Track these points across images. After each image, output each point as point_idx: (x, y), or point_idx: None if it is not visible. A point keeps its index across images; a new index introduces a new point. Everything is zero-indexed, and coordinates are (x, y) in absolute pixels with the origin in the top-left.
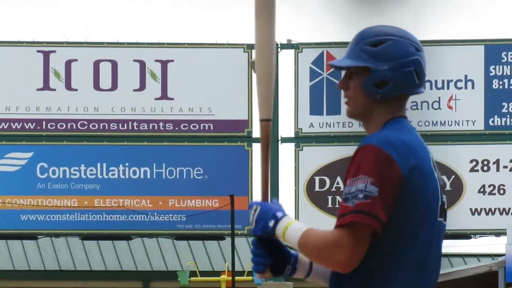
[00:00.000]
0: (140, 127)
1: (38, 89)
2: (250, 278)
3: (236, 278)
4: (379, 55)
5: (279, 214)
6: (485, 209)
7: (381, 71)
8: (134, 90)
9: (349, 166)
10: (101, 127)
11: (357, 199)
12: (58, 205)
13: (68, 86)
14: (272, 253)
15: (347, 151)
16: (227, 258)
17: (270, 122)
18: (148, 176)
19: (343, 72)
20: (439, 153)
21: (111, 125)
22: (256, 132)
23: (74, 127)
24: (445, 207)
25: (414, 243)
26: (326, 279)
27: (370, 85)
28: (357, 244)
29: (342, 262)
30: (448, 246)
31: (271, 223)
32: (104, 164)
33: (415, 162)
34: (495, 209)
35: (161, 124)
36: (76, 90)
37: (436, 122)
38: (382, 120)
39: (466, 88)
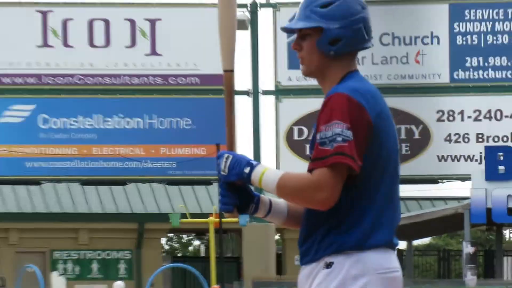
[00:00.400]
0: (132, 81)
1: (37, 46)
2: (236, 219)
3: (223, 220)
4: (330, 15)
5: (253, 162)
6: (451, 156)
7: (333, 30)
8: (126, 47)
9: (320, 113)
10: (95, 81)
11: (336, 142)
12: (59, 153)
13: (65, 43)
14: (237, 194)
15: None
16: (214, 202)
17: (233, 73)
18: (141, 126)
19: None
20: (407, 104)
21: (105, 79)
22: (239, 86)
23: (71, 81)
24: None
25: (381, 184)
26: (282, 219)
27: (324, 44)
28: (337, 184)
29: (323, 201)
30: (417, 190)
31: (247, 170)
32: (101, 116)
33: (379, 109)
34: (460, 156)
35: (150, 78)
36: (72, 47)
37: (405, 75)
38: (339, 74)
39: (432, 43)
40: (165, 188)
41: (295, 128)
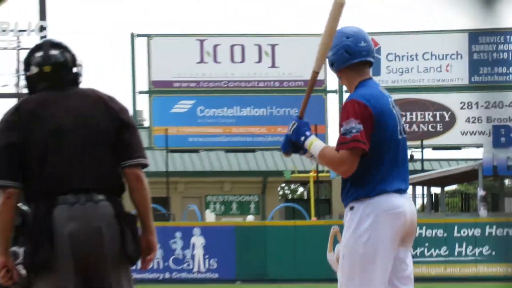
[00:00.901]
0: (259, 84)
1: (197, 62)
2: (328, 174)
3: (319, 174)
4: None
5: (307, 134)
6: (470, 131)
7: (329, 57)
8: (255, 62)
9: (342, 113)
10: (235, 85)
11: (353, 133)
12: (211, 132)
13: (215, 60)
14: (292, 144)
15: None
16: (313, 163)
17: (317, 74)
18: (265, 114)
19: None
20: (441, 98)
21: (241, 83)
22: (330, 86)
23: (219, 85)
24: (404, 128)
25: (384, 156)
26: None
27: (330, 67)
28: (354, 161)
29: (343, 172)
30: (448, 154)
31: (302, 138)
32: (238, 107)
33: (379, 107)
34: (476, 131)
35: (271, 82)
36: (220, 62)
37: (439, 79)
38: (353, 84)
39: (457, 59)
40: (280, 154)
41: None
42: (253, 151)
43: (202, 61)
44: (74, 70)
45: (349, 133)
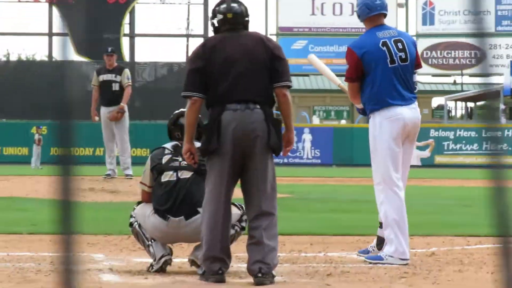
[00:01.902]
0: (352, 30)
1: (309, 15)
2: None
3: None
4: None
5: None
6: (495, 64)
7: (356, 12)
8: (349, 15)
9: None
10: (335, 30)
11: (346, 72)
12: None
13: (322, 13)
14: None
15: None
16: None
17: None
18: None
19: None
20: (475, 41)
21: (339, 29)
22: None
23: (324, 30)
24: (403, 57)
25: (376, 80)
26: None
27: (358, 18)
28: (351, 88)
29: (350, 96)
30: (479, 80)
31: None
32: (337, 45)
33: (365, 49)
34: (499, 64)
35: (360, 29)
36: (325, 15)
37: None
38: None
39: (488, 15)
40: None
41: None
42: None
43: (313, 13)
44: (246, 18)
45: (346, 72)
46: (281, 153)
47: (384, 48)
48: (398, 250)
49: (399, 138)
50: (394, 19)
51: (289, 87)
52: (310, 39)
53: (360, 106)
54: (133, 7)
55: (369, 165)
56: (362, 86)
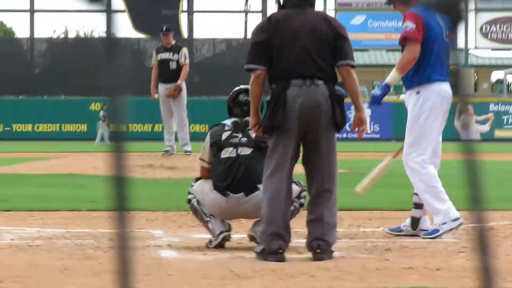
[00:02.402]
0: None
1: None
2: None
3: None
4: None
5: (380, 88)
6: None
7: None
8: None
9: (403, 20)
10: None
11: (410, 33)
12: (377, 37)
13: None
14: None
15: None
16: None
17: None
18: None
19: None
20: None
21: None
22: None
23: (383, 6)
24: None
25: (431, 53)
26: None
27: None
28: (414, 52)
29: (407, 65)
30: None
31: (380, 91)
32: (396, 20)
33: (428, 18)
34: None
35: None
36: None
37: None
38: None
39: None
40: None
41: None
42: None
43: None
44: None
45: (405, 28)
46: (356, 135)
47: (441, 23)
48: (447, 214)
49: (446, 114)
50: None
51: (353, 66)
52: (369, 14)
53: (393, 82)
54: None
55: None
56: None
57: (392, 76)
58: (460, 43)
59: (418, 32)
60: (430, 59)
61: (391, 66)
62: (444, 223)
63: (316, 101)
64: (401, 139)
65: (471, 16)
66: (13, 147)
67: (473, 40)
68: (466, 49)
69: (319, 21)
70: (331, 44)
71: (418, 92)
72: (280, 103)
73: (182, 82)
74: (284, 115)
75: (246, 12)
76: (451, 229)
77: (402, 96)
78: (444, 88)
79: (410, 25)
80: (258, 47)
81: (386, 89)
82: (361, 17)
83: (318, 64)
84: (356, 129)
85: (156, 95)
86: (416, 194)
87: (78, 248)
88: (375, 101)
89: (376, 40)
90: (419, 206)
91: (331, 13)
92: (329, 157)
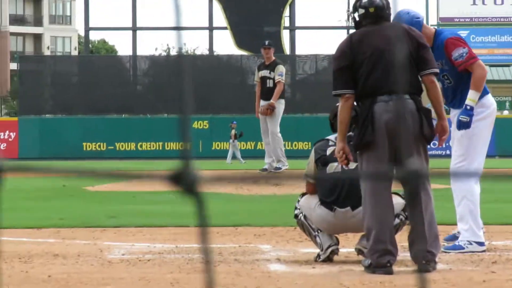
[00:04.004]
0: None
1: (470, 5)
2: None
3: None
4: None
5: (466, 112)
6: None
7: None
8: (510, 4)
9: (449, 48)
10: (497, 20)
11: (471, 54)
12: (479, 52)
13: (483, 3)
14: None
15: None
16: None
17: None
18: None
19: None
20: None
21: (501, 19)
22: None
23: (485, 20)
24: None
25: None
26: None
27: None
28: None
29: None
30: None
31: (466, 116)
32: (499, 35)
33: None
34: None
35: None
36: (486, 4)
37: None
38: (431, 36)
39: None
40: None
41: None
42: (508, 66)
43: (474, 3)
44: (387, 11)
45: (462, 54)
46: (437, 143)
47: None
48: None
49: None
50: None
51: (436, 74)
52: (472, 29)
53: (474, 102)
54: (293, 0)
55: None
56: (458, 77)
57: (472, 97)
58: None
59: (471, 51)
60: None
61: (494, 82)
62: (471, 243)
63: (403, 115)
64: (505, 155)
65: None
66: (117, 165)
67: None
68: None
69: (399, 34)
70: (414, 56)
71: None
72: (368, 120)
73: (275, 101)
74: (373, 132)
75: (348, 28)
76: (473, 252)
77: (505, 112)
78: (492, 100)
79: (463, 50)
80: (342, 73)
81: (471, 113)
82: (464, 32)
83: (403, 78)
84: (437, 137)
85: (260, 110)
86: None
87: (188, 262)
88: (466, 127)
89: (479, 56)
90: None
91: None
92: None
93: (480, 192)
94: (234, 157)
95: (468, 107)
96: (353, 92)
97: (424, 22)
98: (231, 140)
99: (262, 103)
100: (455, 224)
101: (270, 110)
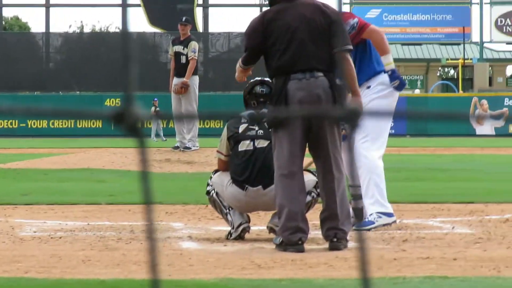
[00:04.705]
0: None
1: None
2: (471, 61)
3: (465, 61)
4: None
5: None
6: None
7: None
8: None
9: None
10: None
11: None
12: (392, 31)
13: None
14: None
15: None
16: (461, 53)
17: None
18: (428, 19)
19: None
20: None
21: None
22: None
23: None
24: None
25: (370, 45)
26: None
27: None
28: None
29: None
30: None
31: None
32: (411, 13)
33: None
34: None
35: None
36: None
37: None
38: None
39: None
40: (439, 46)
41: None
42: (420, 44)
43: None
44: None
45: (354, 25)
46: None
47: None
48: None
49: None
50: None
51: (349, 50)
52: (384, 7)
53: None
54: None
55: (445, 135)
56: (371, 55)
57: (387, 61)
58: (475, 37)
59: (361, 19)
60: (372, 53)
61: (406, 61)
62: (380, 216)
63: (316, 93)
64: (416, 134)
65: (486, 9)
66: (29, 143)
67: (488, 34)
68: (481, 43)
69: (313, 11)
70: (327, 33)
71: (368, 87)
72: (282, 98)
73: (187, 79)
74: (286, 110)
75: (261, 6)
76: (384, 225)
77: (416, 91)
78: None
79: (353, 21)
80: (253, 51)
81: (396, 74)
82: (376, 10)
83: (316, 56)
84: None
85: (174, 89)
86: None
87: (99, 239)
88: (403, 86)
89: (391, 34)
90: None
91: (346, 6)
92: (334, 146)
93: (384, 168)
94: (157, 134)
95: (390, 72)
96: (251, 66)
97: None
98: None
99: (175, 80)
100: None
101: (184, 89)
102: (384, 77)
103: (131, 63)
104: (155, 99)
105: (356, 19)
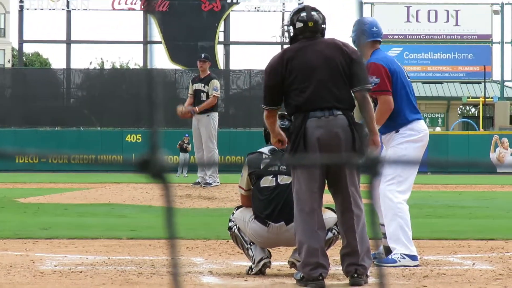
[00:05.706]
0: (446, 37)
1: (404, 22)
2: (492, 99)
3: (486, 99)
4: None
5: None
6: None
7: (352, 37)
8: (444, 22)
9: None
10: (430, 37)
11: (380, 85)
12: (413, 69)
13: (417, 20)
14: None
15: None
16: (482, 91)
17: None
18: (449, 57)
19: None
20: None
21: (434, 36)
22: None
23: (419, 37)
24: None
25: (401, 96)
26: None
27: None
28: (390, 103)
29: (384, 115)
30: None
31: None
32: (432, 52)
33: (393, 67)
34: None
35: (455, 35)
36: (420, 22)
37: None
38: (368, 54)
39: None
40: (460, 85)
41: None
42: (441, 83)
43: (408, 20)
44: (323, 26)
45: (375, 84)
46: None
47: (399, 63)
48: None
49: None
50: (490, 26)
51: (368, 90)
52: (405, 46)
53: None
54: (228, 15)
55: (465, 172)
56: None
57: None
58: (496, 76)
59: (386, 83)
60: (402, 103)
61: (427, 98)
62: (404, 257)
63: (335, 132)
64: (437, 172)
65: (507, 48)
66: (49, 178)
67: (509, 73)
68: (502, 82)
69: (332, 49)
70: (347, 72)
71: (397, 131)
72: (300, 135)
73: (200, 110)
74: (306, 148)
75: (282, 44)
76: (406, 266)
77: (437, 129)
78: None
79: (375, 80)
80: (272, 90)
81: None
82: (397, 49)
83: (336, 94)
84: None
85: (179, 108)
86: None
87: (120, 274)
88: None
89: (412, 72)
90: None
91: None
92: (353, 184)
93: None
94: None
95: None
96: (278, 108)
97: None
98: (181, 153)
99: (195, 116)
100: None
101: (189, 114)
102: (413, 124)
103: (155, 110)
104: (186, 135)
105: (378, 80)
